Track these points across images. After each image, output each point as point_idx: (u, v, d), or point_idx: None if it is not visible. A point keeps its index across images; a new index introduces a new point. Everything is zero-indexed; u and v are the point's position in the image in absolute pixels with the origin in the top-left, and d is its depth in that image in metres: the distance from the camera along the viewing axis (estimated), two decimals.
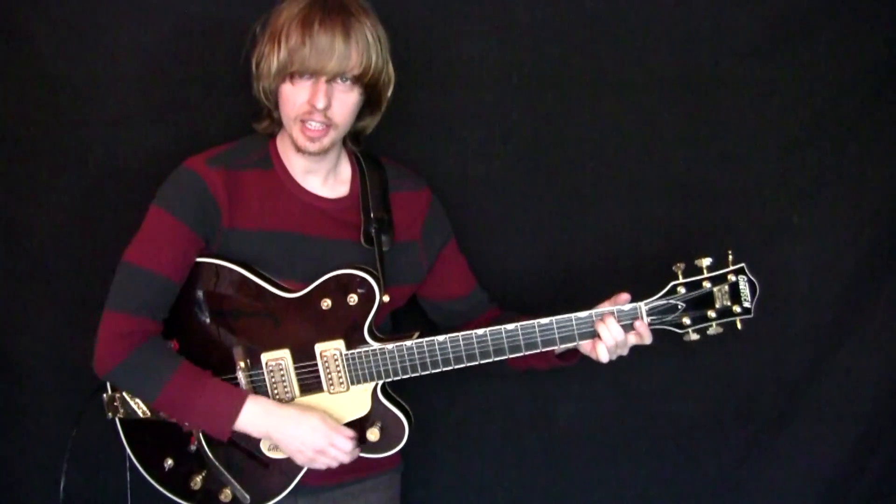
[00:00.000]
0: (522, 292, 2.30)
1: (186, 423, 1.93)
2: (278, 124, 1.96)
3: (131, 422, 1.99)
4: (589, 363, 2.36)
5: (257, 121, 2.00)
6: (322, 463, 1.88)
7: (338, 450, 1.87)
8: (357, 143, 2.06)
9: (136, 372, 1.85)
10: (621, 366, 2.37)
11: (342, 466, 1.95)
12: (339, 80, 1.80)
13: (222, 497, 1.94)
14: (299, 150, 1.86)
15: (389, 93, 1.95)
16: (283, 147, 1.96)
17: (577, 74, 2.29)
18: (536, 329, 1.86)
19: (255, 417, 1.85)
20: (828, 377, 2.36)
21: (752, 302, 1.86)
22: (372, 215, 1.96)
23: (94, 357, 1.85)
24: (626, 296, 1.87)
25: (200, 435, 1.92)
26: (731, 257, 1.86)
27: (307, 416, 1.87)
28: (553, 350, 1.94)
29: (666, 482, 2.43)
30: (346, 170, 2.03)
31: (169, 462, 1.96)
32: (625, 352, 1.89)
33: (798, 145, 2.30)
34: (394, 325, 2.11)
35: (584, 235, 2.34)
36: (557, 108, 2.30)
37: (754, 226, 2.31)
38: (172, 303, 1.89)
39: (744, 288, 1.85)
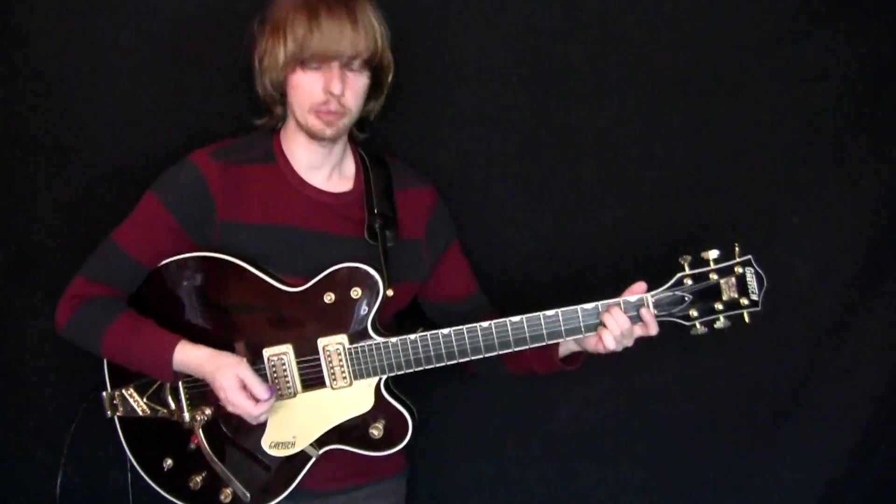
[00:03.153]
0: (523, 292, 2.30)
1: (136, 369, 1.93)
2: (280, 119, 1.98)
3: (131, 421, 1.99)
4: (589, 363, 2.38)
5: (258, 117, 2.02)
6: (241, 410, 1.82)
7: (253, 411, 1.80)
8: (361, 130, 2.08)
9: (83, 323, 1.91)
10: (621, 366, 2.39)
11: (346, 470, 1.95)
12: (350, 67, 1.82)
13: (222, 497, 1.92)
14: (314, 136, 1.87)
15: (390, 78, 1.98)
16: (288, 141, 1.97)
17: (578, 74, 2.29)
18: (542, 321, 1.84)
19: (185, 364, 1.86)
20: (828, 377, 2.36)
21: (759, 294, 1.83)
22: (376, 210, 1.96)
23: (54, 317, 1.94)
24: (642, 284, 1.86)
25: (200, 432, 1.91)
26: (737, 250, 1.83)
27: (226, 376, 1.80)
28: (557, 353, 1.93)
29: (666, 482, 2.43)
30: (350, 166, 2.04)
31: (168, 462, 1.96)
32: (630, 342, 1.87)
33: (798, 145, 2.30)
34: (398, 327, 2.10)
35: (585, 236, 2.34)
36: (557, 108, 2.30)
37: (754, 226, 2.31)
38: (138, 284, 1.94)
39: (751, 280, 1.83)
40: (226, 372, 1.82)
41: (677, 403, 2.40)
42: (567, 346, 1.94)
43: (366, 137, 2.11)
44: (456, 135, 2.31)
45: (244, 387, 1.81)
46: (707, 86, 2.28)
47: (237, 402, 1.80)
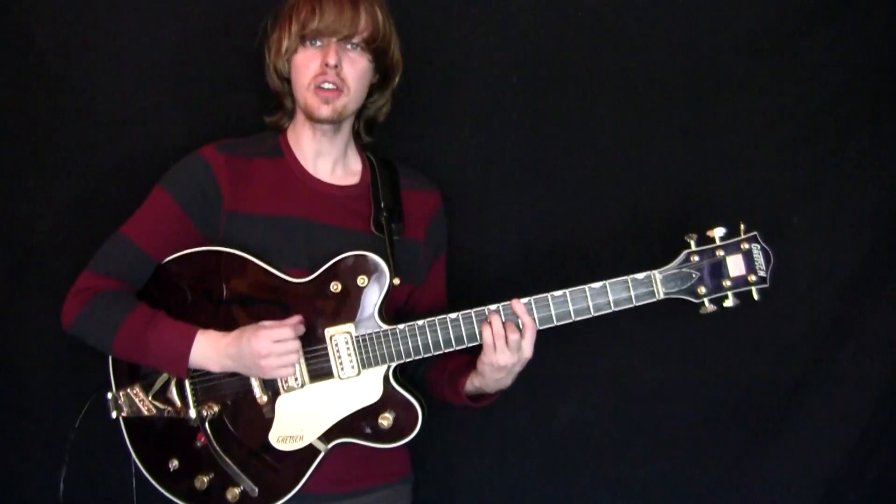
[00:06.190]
0: (523, 289, 2.30)
1: (148, 364, 1.91)
2: (289, 115, 2.00)
3: (136, 421, 1.97)
4: (589, 362, 2.38)
5: (269, 114, 2.04)
6: (279, 366, 1.81)
7: (281, 344, 1.80)
8: (370, 134, 2.08)
9: (94, 318, 1.88)
10: (621, 366, 2.39)
11: (352, 472, 1.94)
12: (349, 46, 1.86)
13: (229, 497, 1.90)
14: (313, 116, 1.88)
15: (398, 77, 2.00)
16: (294, 136, 1.99)
17: (577, 74, 2.29)
18: (550, 301, 1.83)
19: (207, 350, 1.84)
20: (828, 377, 2.36)
21: (766, 271, 1.82)
22: (382, 204, 1.97)
23: (61, 313, 1.91)
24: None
25: (207, 428, 1.91)
26: (742, 227, 1.83)
27: (247, 330, 1.81)
28: (463, 386, 1.93)
29: (666, 482, 2.43)
30: (356, 163, 2.05)
31: (174, 463, 1.94)
32: (516, 356, 1.83)
33: (798, 145, 2.30)
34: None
35: (584, 235, 2.34)
36: (557, 108, 2.31)
37: (754, 226, 2.31)
38: (147, 278, 1.93)
39: (758, 256, 1.82)
40: (251, 333, 1.80)
41: (677, 403, 2.40)
42: (473, 383, 1.93)
43: (372, 141, 2.10)
44: (456, 135, 2.31)
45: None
46: (707, 85, 2.28)
47: (275, 336, 1.78)
